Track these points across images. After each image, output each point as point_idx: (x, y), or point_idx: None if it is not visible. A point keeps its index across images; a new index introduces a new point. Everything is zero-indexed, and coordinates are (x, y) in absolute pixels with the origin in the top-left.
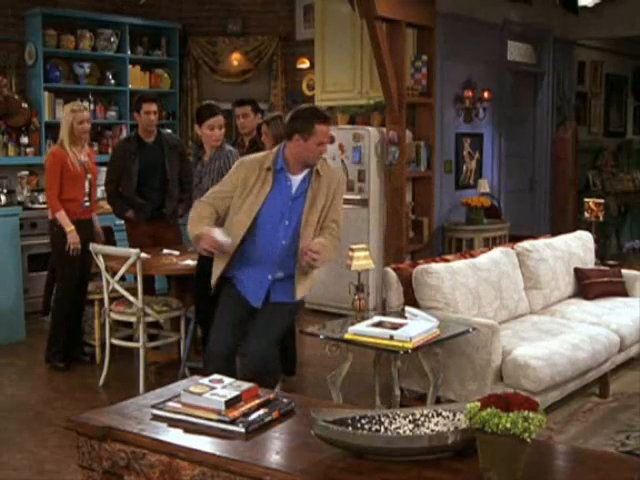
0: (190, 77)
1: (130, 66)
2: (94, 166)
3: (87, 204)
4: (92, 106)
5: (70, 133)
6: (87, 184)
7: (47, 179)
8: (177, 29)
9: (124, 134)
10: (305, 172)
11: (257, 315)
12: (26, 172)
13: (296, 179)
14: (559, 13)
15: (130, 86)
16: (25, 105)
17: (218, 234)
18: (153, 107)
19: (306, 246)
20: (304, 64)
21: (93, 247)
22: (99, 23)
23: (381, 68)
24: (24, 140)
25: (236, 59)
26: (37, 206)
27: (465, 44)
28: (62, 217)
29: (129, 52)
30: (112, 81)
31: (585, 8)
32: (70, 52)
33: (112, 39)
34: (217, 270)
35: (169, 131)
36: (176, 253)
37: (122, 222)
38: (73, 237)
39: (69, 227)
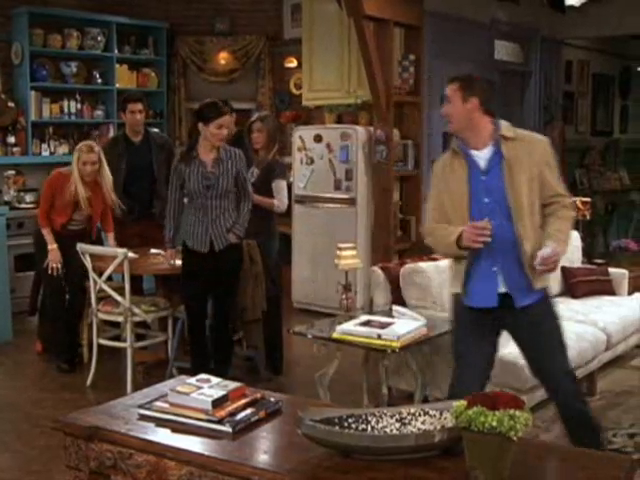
0: (178, 76)
1: (117, 65)
2: (99, 205)
3: (74, 228)
4: (79, 105)
5: (79, 171)
6: (81, 214)
7: (41, 194)
8: (164, 28)
9: (112, 133)
10: (490, 144)
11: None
12: (12, 172)
13: (482, 153)
14: (546, 12)
15: (117, 85)
16: (12, 104)
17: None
18: (138, 106)
19: (539, 256)
20: (292, 63)
21: (80, 247)
22: (86, 22)
23: (368, 67)
24: (10, 140)
25: (224, 58)
26: (24, 206)
27: (453, 43)
28: (47, 234)
29: (116, 51)
30: (99, 80)
31: (572, 8)
32: (57, 51)
33: (99, 38)
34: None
35: (156, 130)
36: (163, 253)
37: None
38: (53, 255)
39: (52, 245)
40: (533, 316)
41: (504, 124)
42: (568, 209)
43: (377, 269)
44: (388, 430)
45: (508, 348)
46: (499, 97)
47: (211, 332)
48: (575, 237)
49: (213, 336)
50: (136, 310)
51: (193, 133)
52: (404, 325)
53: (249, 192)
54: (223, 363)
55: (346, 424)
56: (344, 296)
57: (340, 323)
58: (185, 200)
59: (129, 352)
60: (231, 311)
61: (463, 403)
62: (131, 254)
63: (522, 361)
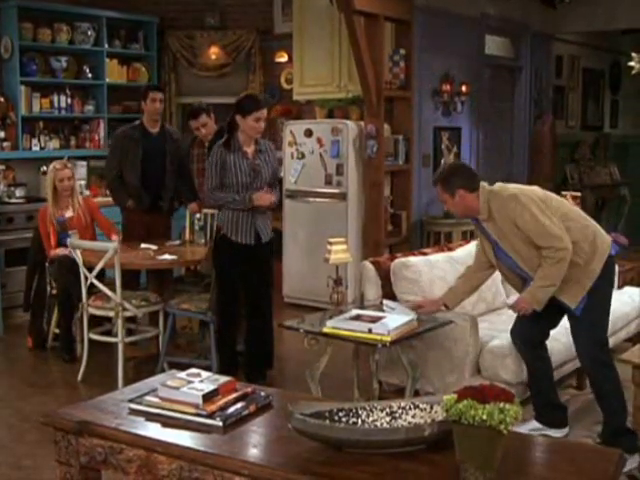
0: (168, 71)
1: (107, 60)
2: (81, 219)
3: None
4: (69, 100)
5: (53, 191)
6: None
7: (40, 233)
8: (155, 23)
9: (102, 128)
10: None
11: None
12: (2, 167)
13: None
14: (537, 7)
15: (108, 80)
16: (1, 99)
17: None
18: (159, 95)
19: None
20: (282, 58)
21: (70, 242)
22: (76, 16)
23: (359, 62)
24: (0, 134)
25: (214, 53)
26: (14, 201)
27: (443, 38)
28: (55, 253)
29: (106, 46)
30: (89, 75)
31: (563, 2)
32: (47, 45)
33: (89, 32)
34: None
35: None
36: (154, 247)
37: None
38: (61, 250)
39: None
40: None
41: (481, 199)
42: (545, 264)
43: (368, 263)
44: (379, 424)
45: (496, 341)
46: (489, 92)
47: (253, 333)
48: None
49: (256, 336)
50: (127, 305)
51: (231, 125)
52: (395, 319)
53: (278, 182)
54: (266, 365)
55: (336, 418)
56: (335, 290)
57: (331, 317)
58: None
59: (120, 347)
60: (270, 303)
61: (453, 397)
62: (115, 243)
63: (512, 354)
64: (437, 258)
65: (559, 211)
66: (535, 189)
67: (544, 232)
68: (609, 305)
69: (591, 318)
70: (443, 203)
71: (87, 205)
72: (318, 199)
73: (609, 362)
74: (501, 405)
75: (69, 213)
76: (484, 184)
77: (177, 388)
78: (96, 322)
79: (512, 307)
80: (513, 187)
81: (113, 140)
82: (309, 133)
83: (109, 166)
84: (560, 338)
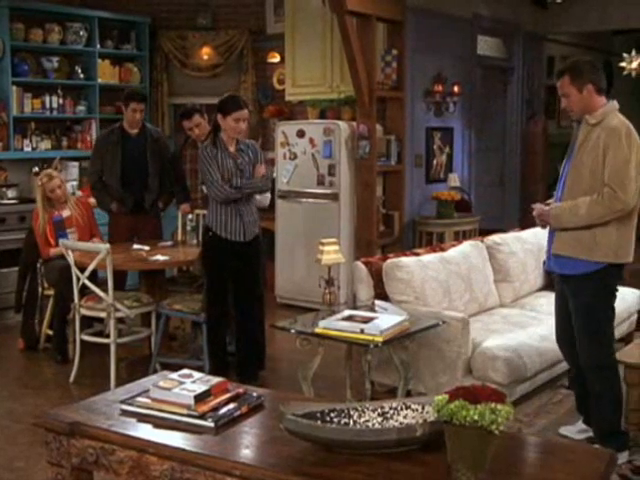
0: (160, 71)
1: (99, 60)
2: (78, 218)
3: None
4: (61, 100)
5: (45, 200)
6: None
7: (36, 235)
8: (147, 23)
9: (94, 129)
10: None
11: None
12: None
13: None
14: (529, 8)
15: (100, 80)
16: None
17: None
18: (140, 107)
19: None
20: (274, 58)
21: (62, 242)
22: (68, 16)
23: (351, 62)
24: None
25: (206, 53)
26: (5, 202)
27: (435, 38)
28: (54, 252)
29: (98, 46)
30: (81, 75)
31: (554, 3)
32: (38, 46)
33: (81, 33)
34: None
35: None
36: (146, 248)
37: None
38: (59, 249)
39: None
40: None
41: (606, 107)
42: (594, 197)
43: (360, 264)
44: (370, 424)
45: (488, 342)
46: (481, 92)
47: (244, 333)
48: None
49: (248, 336)
50: (119, 306)
51: (215, 125)
52: (387, 320)
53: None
54: (258, 366)
55: (328, 418)
56: (327, 291)
57: (323, 318)
58: (204, 189)
59: (112, 348)
60: (262, 304)
61: (445, 397)
62: (107, 245)
63: (503, 354)
64: (429, 258)
65: None
66: None
67: (621, 175)
68: (606, 308)
69: (582, 318)
70: (563, 97)
71: (81, 204)
72: (310, 200)
73: (607, 364)
74: (492, 405)
75: (66, 212)
76: (613, 100)
77: (169, 389)
78: (87, 323)
79: (536, 209)
80: (631, 126)
81: (94, 144)
82: (301, 134)
83: (90, 170)
84: (552, 339)
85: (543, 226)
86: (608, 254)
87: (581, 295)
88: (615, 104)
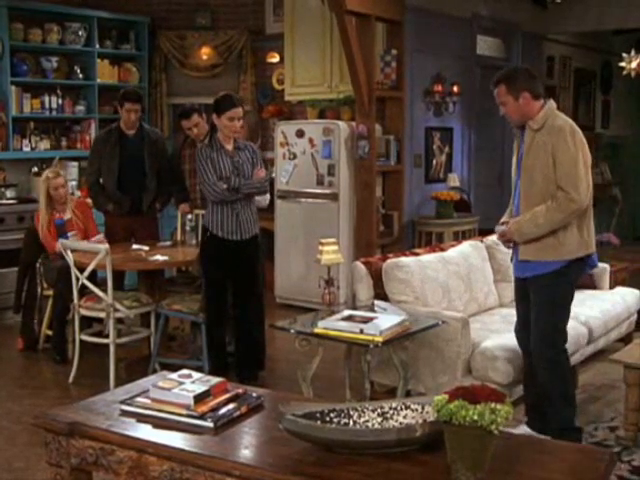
0: (159, 71)
1: (98, 60)
2: (78, 221)
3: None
4: (60, 100)
5: (47, 199)
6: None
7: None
8: (146, 23)
9: (93, 129)
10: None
11: None
12: None
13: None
14: (528, 8)
15: (99, 80)
16: None
17: None
18: (135, 107)
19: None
20: (274, 58)
21: (62, 243)
22: (67, 16)
23: (351, 62)
24: None
25: (205, 53)
26: (5, 202)
27: (434, 38)
28: (59, 248)
29: (97, 46)
30: (80, 75)
31: (554, 3)
32: (37, 46)
33: (80, 33)
34: None
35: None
36: (145, 248)
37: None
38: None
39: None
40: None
41: (544, 111)
42: (549, 204)
43: (359, 264)
44: (370, 425)
45: (488, 342)
46: (481, 92)
47: (244, 333)
48: None
49: (247, 336)
50: (119, 306)
51: (212, 125)
52: (386, 320)
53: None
54: (257, 366)
55: (328, 419)
56: (326, 291)
57: (322, 318)
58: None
59: (112, 348)
60: (262, 304)
61: (444, 397)
62: (105, 245)
63: (502, 354)
64: (429, 258)
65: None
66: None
67: (573, 175)
68: (568, 304)
69: (545, 312)
70: (501, 106)
71: (80, 206)
72: (310, 200)
73: (556, 359)
74: (492, 405)
75: (67, 215)
76: (550, 100)
77: (168, 389)
78: (86, 324)
79: (498, 232)
80: (574, 124)
81: (92, 144)
82: (301, 133)
83: (88, 171)
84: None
85: (508, 246)
86: (573, 251)
87: (549, 291)
88: (552, 104)
